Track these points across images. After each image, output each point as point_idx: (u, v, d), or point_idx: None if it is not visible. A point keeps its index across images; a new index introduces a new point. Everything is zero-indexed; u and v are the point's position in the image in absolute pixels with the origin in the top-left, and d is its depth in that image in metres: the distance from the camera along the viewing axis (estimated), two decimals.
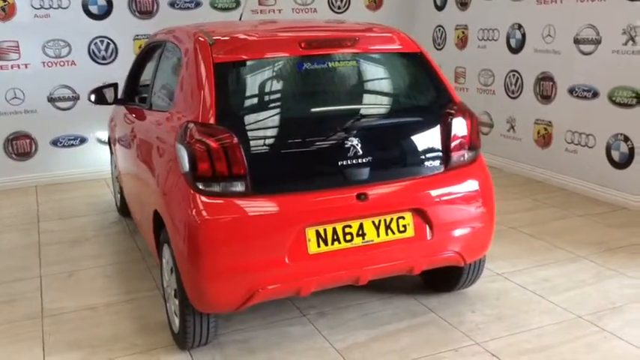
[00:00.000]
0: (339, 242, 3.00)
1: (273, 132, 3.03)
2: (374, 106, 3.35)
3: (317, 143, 3.04)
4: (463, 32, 7.14)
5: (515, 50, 6.37)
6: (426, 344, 3.24)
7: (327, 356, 3.15)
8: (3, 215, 5.69)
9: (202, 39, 3.19)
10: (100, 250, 4.72)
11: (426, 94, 3.46)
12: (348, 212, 3.01)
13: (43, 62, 6.36)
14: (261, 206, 2.89)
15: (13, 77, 6.26)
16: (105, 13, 6.53)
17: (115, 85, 4.59)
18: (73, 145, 6.69)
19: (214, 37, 3.18)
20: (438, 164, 3.24)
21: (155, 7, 6.70)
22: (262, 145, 2.96)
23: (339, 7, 7.53)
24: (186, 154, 2.86)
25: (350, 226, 3.03)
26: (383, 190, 3.09)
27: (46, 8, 6.27)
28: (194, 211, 2.83)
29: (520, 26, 6.28)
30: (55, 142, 6.62)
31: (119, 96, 4.63)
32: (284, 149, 3.00)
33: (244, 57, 3.09)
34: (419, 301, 3.70)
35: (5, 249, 4.78)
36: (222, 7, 6.99)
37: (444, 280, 3.73)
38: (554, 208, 5.36)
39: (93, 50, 6.55)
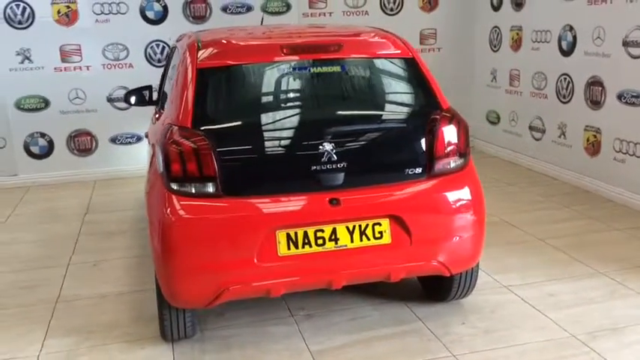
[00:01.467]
0: (310, 246, 3.04)
1: (247, 136, 3.10)
2: (354, 111, 3.34)
3: (290, 148, 3.10)
4: (517, 34, 6.89)
5: (567, 53, 6.08)
6: (401, 353, 3.21)
7: (300, 358, 3.20)
8: (58, 207, 6.15)
9: (194, 44, 3.33)
10: (131, 242, 5.00)
11: (411, 100, 3.42)
12: (320, 217, 3.04)
13: (103, 64, 6.79)
14: (231, 208, 2.98)
15: (76, 78, 6.73)
16: (161, 19, 6.87)
17: (149, 88, 4.84)
18: (130, 142, 7.10)
19: (204, 43, 3.31)
20: (420, 171, 3.19)
21: (208, 12, 6.97)
22: (235, 148, 3.03)
23: (391, 10, 7.49)
24: (162, 155, 3.00)
25: (322, 231, 3.05)
26: (357, 195, 3.09)
27: (105, 14, 6.70)
28: (167, 210, 2.97)
29: (571, 28, 5.99)
30: (113, 140, 7.05)
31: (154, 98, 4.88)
32: (257, 153, 3.07)
33: (226, 62, 3.20)
34: (410, 309, 3.65)
35: (47, 238, 5.17)
36: (274, 10, 7.15)
37: (437, 289, 3.66)
38: (593, 220, 5.08)
39: (149, 53, 6.91)
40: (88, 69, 6.76)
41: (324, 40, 3.35)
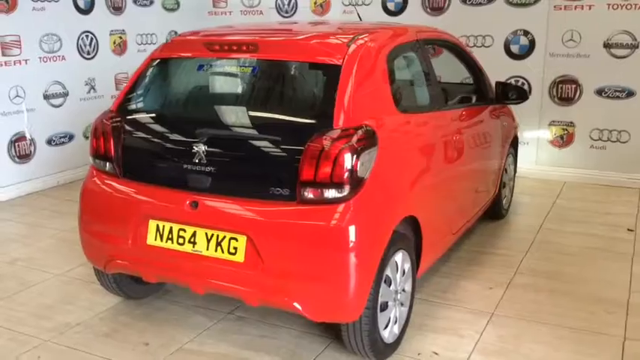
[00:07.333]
0: (172, 242, 3.05)
1: (144, 125, 3.24)
2: (240, 117, 3.05)
3: (174, 143, 3.13)
4: None
5: None
6: None
7: (163, 350, 3.21)
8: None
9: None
10: None
11: (306, 114, 2.94)
12: (180, 216, 3.01)
13: None
14: (119, 189, 3.21)
15: None
16: (400, 10, 6.87)
17: None
18: None
19: (181, 36, 3.51)
20: (288, 193, 2.79)
21: (446, 4, 6.61)
22: (132, 135, 3.23)
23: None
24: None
25: (185, 230, 3.03)
26: (216, 204, 2.95)
27: (352, 5, 7.08)
28: (85, 180, 3.40)
29: None
30: None
31: None
32: (146, 143, 3.21)
33: (164, 55, 3.35)
34: (324, 352, 3.18)
35: None
36: (519, 2, 6.29)
37: None
38: None
39: None
40: None
41: (239, 40, 3.11)
